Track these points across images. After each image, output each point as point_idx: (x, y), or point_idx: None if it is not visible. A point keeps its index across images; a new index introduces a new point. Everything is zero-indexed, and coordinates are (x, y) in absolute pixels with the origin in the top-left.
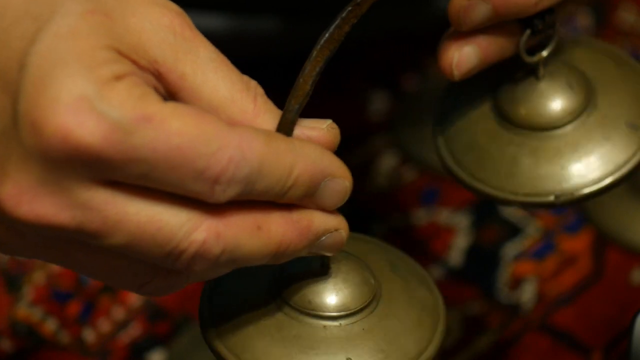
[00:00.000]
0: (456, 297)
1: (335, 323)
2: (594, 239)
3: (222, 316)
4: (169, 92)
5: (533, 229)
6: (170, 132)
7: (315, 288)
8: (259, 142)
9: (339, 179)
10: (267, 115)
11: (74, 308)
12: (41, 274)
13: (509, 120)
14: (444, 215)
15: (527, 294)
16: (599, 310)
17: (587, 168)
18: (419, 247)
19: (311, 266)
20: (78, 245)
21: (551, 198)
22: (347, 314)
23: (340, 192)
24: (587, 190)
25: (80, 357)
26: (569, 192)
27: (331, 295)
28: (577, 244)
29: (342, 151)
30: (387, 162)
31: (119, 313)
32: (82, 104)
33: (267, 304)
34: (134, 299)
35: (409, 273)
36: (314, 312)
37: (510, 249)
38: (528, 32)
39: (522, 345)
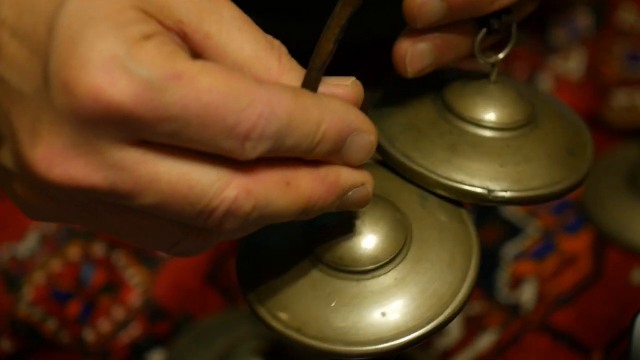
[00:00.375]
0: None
1: (368, 276)
2: (594, 239)
3: (258, 275)
4: (194, 52)
5: (533, 229)
6: (200, 89)
7: (344, 243)
8: (287, 97)
9: (365, 134)
10: (292, 73)
11: (74, 308)
12: (41, 274)
13: (451, 112)
14: None
15: (527, 294)
16: (599, 310)
17: (525, 173)
18: None
19: (340, 220)
20: (110, 206)
21: (484, 191)
22: (379, 265)
23: (366, 146)
24: (521, 194)
25: (80, 357)
26: (503, 190)
27: (361, 249)
28: (577, 244)
29: None
30: None
31: (119, 313)
32: (113, 63)
33: (301, 260)
34: (134, 299)
35: (439, 205)
36: (346, 268)
37: (510, 249)
38: (484, 31)
39: (522, 345)
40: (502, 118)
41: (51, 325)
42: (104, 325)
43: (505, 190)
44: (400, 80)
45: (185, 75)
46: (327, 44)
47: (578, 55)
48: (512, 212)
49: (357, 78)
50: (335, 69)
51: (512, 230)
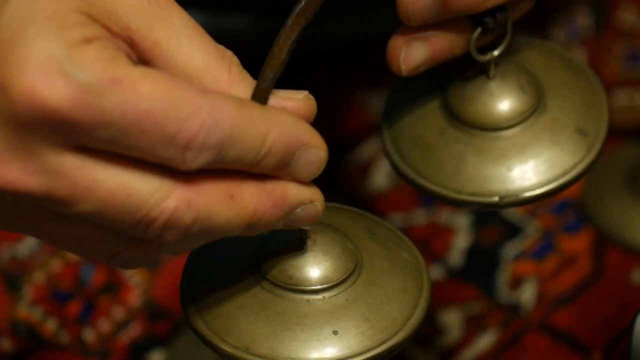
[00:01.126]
0: (456, 297)
1: (319, 296)
2: (594, 239)
3: (204, 295)
4: (142, 60)
5: (533, 229)
6: (140, 95)
7: (295, 262)
8: (232, 108)
9: (314, 149)
10: (242, 84)
11: (74, 308)
12: (41, 274)
13: (457, 119)
14: (444, 215)
15: (527, 294)
16: (599, 310)
17: (533, 171)
18: (419, 247)
19: (289, 240)
20: (47, 213)
21: (495, 199)
22: (330, 286)
23: (315, 162)
24: (531, 194)
25: (80, 357)
26: (513, 194)
27: (312, 269)
28: (577, 244)
29: (342, 151)
30: (387, 162)
31: (119, 313)
32: (51, 65)
33: (249, 280)
34: (134, 299)
35: (388, 239)
36: (297, 287)
37: (510, 249)
38: (479, 30)
39: (522, 345)
40: (505, 116)
41: (51, 325)
42: (104, 325)
43: (515, 194)
44: (405, 86)
45: (125, 80)
46: (279, 54)
47: (578, 55)
48: (512, 212)
49: (351, 79)
50: (333, 70)
51: (512, 230)
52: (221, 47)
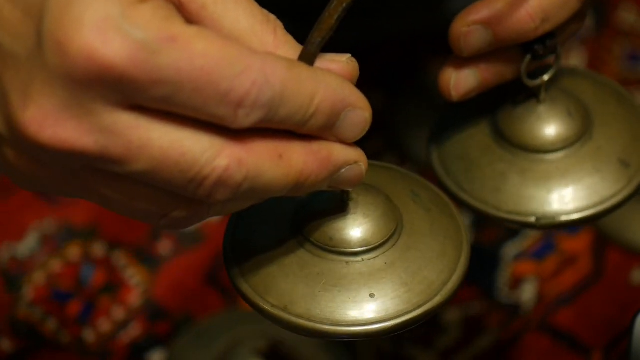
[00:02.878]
0: (456, 297)
1: (358, 258)
2: (594, 239)
3: (246, 254)
4: (190, 23)
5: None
6: (194, 53)
7: (335, 224)
8: (282, 67)
9: (359, 110)
10: (287, 47)
11: (74, 308)
12: (41, 274)
13: (503, 138)
14: None
15: (527, 294)
16: (599, 310)
17: (572, 196)
18: None
19: (331, 202)
20: (99, 174)
21: (532, 219)
22: (369, 248)
23: (360, 123)
24: (568, 218)
25: (80, 357)
26: (550, 217)
27: (352, 231)
28: (577, 244)
29: None
30: (387, 162)
31: (119, 313)
32: (108, 24)
33: (289, 241)
34: (134, 299)
35: (431, 201)
36: (336, 249)
37: (510, 249)
38: (528, 57)
39: (522, 345)
40: (551, 140)
41: (51, 325)
42: (104, 325)
43: (552, 217)
44: (456, 104)
45: (180, 38)
46: (329, 19)
47: (578, 55)
48: None
49: (363, 79)
50: None
51: (512, 230)
52: (265, 11)
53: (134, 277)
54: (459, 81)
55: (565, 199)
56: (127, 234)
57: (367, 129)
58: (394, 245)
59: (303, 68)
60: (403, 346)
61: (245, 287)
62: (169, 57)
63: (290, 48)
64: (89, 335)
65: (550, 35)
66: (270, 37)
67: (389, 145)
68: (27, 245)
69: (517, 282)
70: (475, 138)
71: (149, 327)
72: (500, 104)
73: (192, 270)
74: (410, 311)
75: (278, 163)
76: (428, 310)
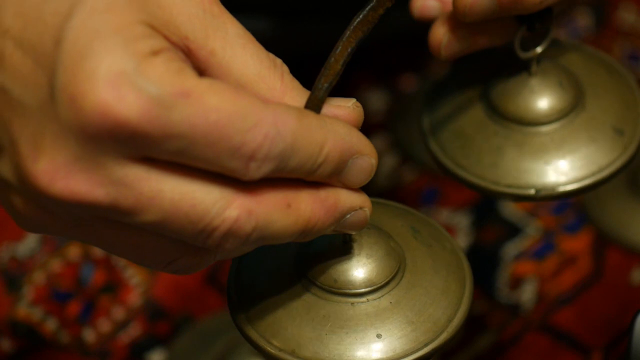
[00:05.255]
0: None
1: (363, 299)
2: (594, 239)
3: (250, 299)
4: (198, 69)
5: (533, 229)
6: (208, 107)
7: (339, 266)
8: (293, 118)
9: (366, 157)
10: (294, 92)
11: (74, 308)
12: (41, 274)
13: (497, 112)
14: (444, 215)
15: (527, 294)
16: (599, 310)
17: (570, 166)
18: None
19: (334, 244)
20: (109, 223)
21: (532, 192)
22: (374, 289)
23: (367, 169)
24: (568, 188)
25: (80, 357)
26: (549, 188)
27: (356, 272)
28: (577, 244)
29: None
30: (387, 162)
31: (119, 313)
32: (122, 79)
33: (294, 284)
34: (134, 299)
35: (431, 237)
36: (341, 290)
37: (510, 249)
38: (524, 28)
39: (522, 345)
40: (544, 112)
41: (51, 325)
42: (104, 325)
43: (552, 188)
44: (446, 78)
45: (193, 93)
46: (335, 65)
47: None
48: (512, 212)
49: (352, 80)
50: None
51: (512, 230)
52: (272, 55)
53: (134, 277)
54: (451, 41)
55: (563, 169)
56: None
57: (372, 174)
58: (397, 284)
59: (312, 118)
60: None
61: (252, 332)
62: (182, 112)
63: (298, 94)
64: (89, 335)
65: (548, 8)
66: (278, 82)
67: (389, 145)
68: (27, 245)
69: (517, 282)
70: (469, 114)
71: (149, 327)
72: (491, 78)
73: None
74: (418, 350)
75: (287, 212)
76: (435, 347)
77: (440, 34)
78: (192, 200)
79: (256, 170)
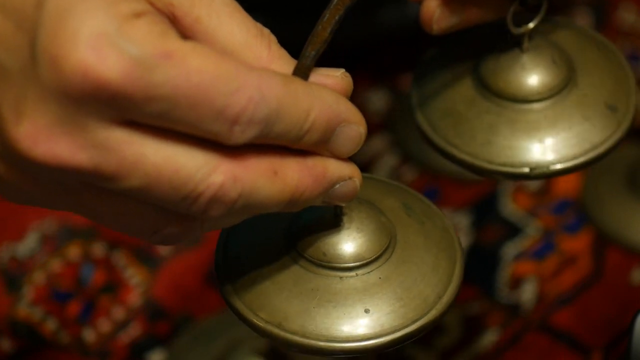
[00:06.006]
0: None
1: (352, 274)
2: (594, 239)
3: (238, 271)
4: (183, 36)
5: (533, 229)
6: (190, 69)
7: (329, 239)
8: (278, 83)
9: (354, 125)
10: (281, 61)
11: (74, 308)
12: (41, 274)
13: (489, 90)
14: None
15: (527, 294)
16: (599, 310)
17: (563, 144)
18: None
19: (324, 217)
20: (92, 189)
21: (526, 170)
22: (363, 263)
23: (355, 138)
24: (562, 166)
25: (80, 357)
26: (543, 166)
27: (346, 246)
28: (577, 244)
29: None
30: (387, 162)
31: (119, 313)
32: (103, 40)
33: (282, 256)
34: (134, 299)
35: (423, 214)
36: (330, 264)
37: (510, 249)
38: (516, 3)
39: (522, 345)
40: (537, 89)
41: (51, 325)
42: (104, 325)
43: (546, 166)
44: (435, 56)
45: (176, 54)
46: (323, 32)
47: None
48: (512, 212)
49: (357, 78)
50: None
51: (512, 230)
52: (259, 25)
53: (134, 277)
54: (443, 15)
55: (557, 147)
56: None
57: (361, 144)
58: (388, 259)
59: (298, 84)
60: (402, 348)
61: (238, 304)
62: (165, 73)
63: (285, 62)
64: (89, 335)
65: None
66: (265, 51)
67: (389, 145)
68: (27, 245)
69: (517, 282)
70: (459, 92)
71: (149, 327)
72: (481, 54)
73: (192, 270)
74: (406, 326)
75: (273, 179)
76: (424, 324)
77: (432, 8)
78: (175, 164)
79: (240, 134)
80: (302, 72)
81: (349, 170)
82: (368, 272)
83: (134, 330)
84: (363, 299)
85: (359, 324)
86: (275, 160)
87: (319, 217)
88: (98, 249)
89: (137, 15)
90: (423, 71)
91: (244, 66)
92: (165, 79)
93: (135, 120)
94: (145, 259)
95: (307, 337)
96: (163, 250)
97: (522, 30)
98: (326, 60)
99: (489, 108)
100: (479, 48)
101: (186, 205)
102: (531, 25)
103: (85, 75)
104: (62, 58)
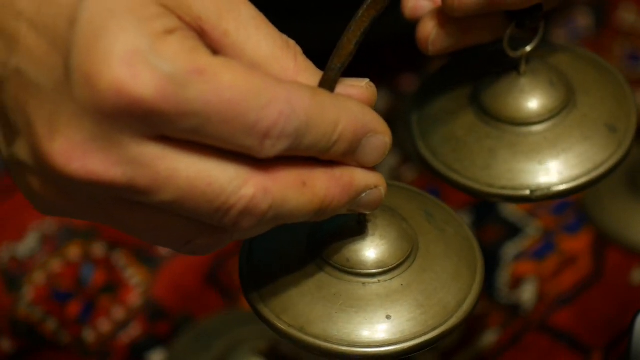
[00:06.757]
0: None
1: (374, 280)
2: (594, 239)
3: (261, 276)
4: (212, 50)
5: (533, 229)
6: (222, 85)
7: (352, 246)
8: (307, 96)
9: (380, 135)
10: (308, 73)
11: (74, 308)
12: (41, 274)
13: (488, 114)
14: None
15: (527, 294)
16: (599, 310)
17: (564, 165)
18: None
19: (348, 224)
20: (123, 203)
21: (527, 192)
22: (385, 270)
23: (381, 148)
24: (563, 187)
25: (80, 357)
26: (544, 188)
27: (369, 253)
28: (577, 244)
29: None
30: (387, 162)
31: (119, 313)
32: (136, 57)
33: (306, 263)
34: (134, 299)
35: (444, 221)
36: (353, 270)
37: (510, 249)
38: (513, 25)
39: (522, 345)
40: (536, 111)
41: (51, 325)
42: (104, 325)
43: (547, 188)
44: (434, 81)
45: (207, 70)
46: (348, 45)
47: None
48: (512, 212)
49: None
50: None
51: (512, 230)
52: (285, 37)
53: (134, 277)
54: (439, 37)
55: (558, 168)
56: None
57: (387, 153)
58: (409, 267)
59: (326, 96)
60: None
61: (262, 308)
62: (197, 89)
63: (311, 74)
64: (89, 335)
65: (538, 6)
66: (291, 63)
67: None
68: (27, 245)
69: (517, 282)
70: (459, 116)
71: (149, 327)
72: (480, 77)
73: (192, 270)
74: (426, 333)
75: (302, 191)
76: (443, 332)
77: (428, 29)
78: (208, 178)
79: (271, 148)
80: (328, 84)
81: (374, 179)
82: (390, 279)
83: (134, 330)
84: (385, 305)
85: (380, 329)
86: (304, 172)
87: (343, 224)
88: (98, 249)
89: (169, 32)
90: (422, 95)
91: (273, 80)
92: (198, 95)
93: (168, 136)
94: (145, 259)
95: (329, 342)
96: (163, 250)
97: (519, 53)
98: (326, 59)
99: (489, 132)
100: (478, 70)
101: (218, 217)
102: (528, 48)
103: (119, 92)
104: (96, 75)
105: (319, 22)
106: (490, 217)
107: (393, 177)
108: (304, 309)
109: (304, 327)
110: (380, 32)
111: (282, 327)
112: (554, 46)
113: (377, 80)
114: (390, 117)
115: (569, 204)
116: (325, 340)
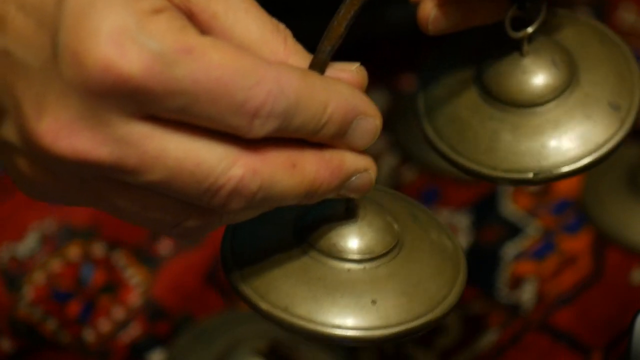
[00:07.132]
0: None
1: (360, 266)
2: (594, 239)
3: (245, 259)
4: (201, 32)
5: (533, 229)
6: (210, 64)
7: (340, 231)
8: (296, 77)
9: (370, 118)
10: (298, 56)
11: (74, 308)
12: (41, 274)
13: (491, 95)
14: (444, 215)
15: (527, 294)
16: (599, 310)
17: (567, 146)
18: None
19: (336, 210)
20: (112, 183)
21: (530, 175)
22: (371, 257)
23: (371, 131)
24: (566, 169)
25: (80, 357)
26: (547, 170)
27: (356, 239)
28: (577, 244)
29: None
30: (387, 162)
31: (119, 313)
32: (124, 35)
33: (292, 247)
34: (134, 299)
35: (429, 225)
36: (338, 255)
37: (510, 249)
38: (514, 7)
39: (522, 345)
40: (538, 92)
41: (51, 325)
42: (104, 325)
43: (550, 170)
44: (438, 61)
45: (196, 49)
46: (338, 27)
47: None
48: (512, 212)
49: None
50: None
51: (512, 230)
52: (275, 20)
53: (134, 277)
54: (439, 17)
55: (560, 150)
56: (127, 234)
57: (377, 136)
58: (395, 257)
59: (316, 77)
60: (403, 346)
61: (244, 288)
62: (185, 68)
63: (301, 57)
64: (89, 335)
65: None
66: (281, 46)
67: (389, 145)
68: (27, 245)
69: (517, 282)
70: (462, 97)
71: (149, 327)
72: (483, 57)
73: (192, 270)
74: (411, 320)
75: (292, 172)
76: (429, 320)
77: (428, 9)
78: (197, 158)
79: (260, 128)
80: (318, 67)
81: (365, 162)
82: (376, 267)
83: (134, 330)
84: (370, 291)
85: (366, 313)
86: (294, 153)
87: (330, 209)
88: (98, 249)
89: (157, 11)
90: (428, 75)
91: (263, 60)
92: (186, 74)
93: (156, 115)
94: (145, 259)
95: (314, 323)
96: (163, 250)
97: (520, 34)
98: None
99: (492, 114)
100: (481, 51)
101: (207, 198)
102: (530, 29)
103: (106, 70)
104: (84, 54)
105: (314, 20)
106: (490, 217)
107: (393, 177)
108: (288, 290)
109: (288, 308)
110: (380, 30)
111: (265, 307)
112: (558, 18)
113: (377, 80)
114: (390, 116)
115: (569, 204)
116: (310, 322)
